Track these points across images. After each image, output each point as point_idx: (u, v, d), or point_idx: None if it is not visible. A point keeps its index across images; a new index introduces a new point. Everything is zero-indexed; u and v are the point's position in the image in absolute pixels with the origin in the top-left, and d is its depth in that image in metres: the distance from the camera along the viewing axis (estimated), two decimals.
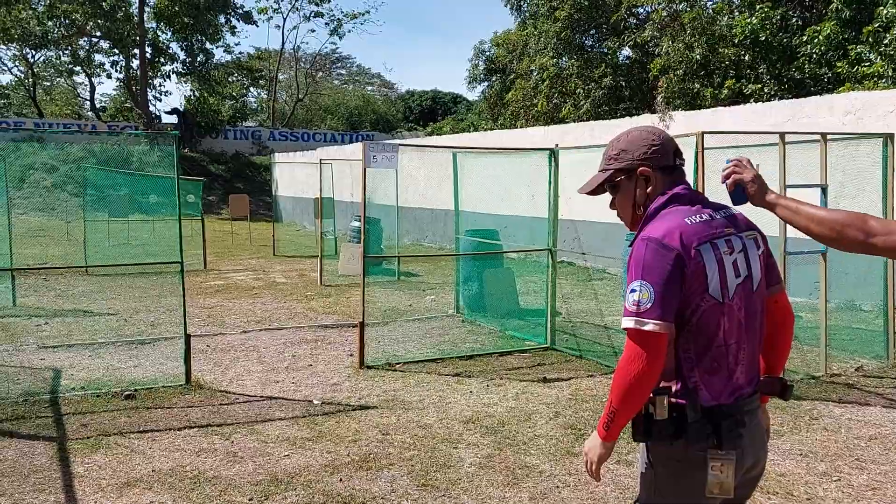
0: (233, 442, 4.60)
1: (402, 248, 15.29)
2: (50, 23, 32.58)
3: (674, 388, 1.91)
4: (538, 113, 22.50)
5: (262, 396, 5.64)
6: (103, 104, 44.60)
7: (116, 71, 36.99)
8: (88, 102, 41.73)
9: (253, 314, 9.08)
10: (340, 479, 4.02)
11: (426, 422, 4.98)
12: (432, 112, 49.76)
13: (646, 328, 1.83)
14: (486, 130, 24.32)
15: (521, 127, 22.03)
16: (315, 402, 5.49)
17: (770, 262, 2.06)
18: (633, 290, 1.87)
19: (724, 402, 1.91)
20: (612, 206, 2.12)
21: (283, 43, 54.92)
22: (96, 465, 4.21)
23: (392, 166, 6.21)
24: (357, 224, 13.54)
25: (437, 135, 32.18)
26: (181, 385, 5.82)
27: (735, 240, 1.95)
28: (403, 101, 52.45)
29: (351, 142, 36.26)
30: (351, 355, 6.88)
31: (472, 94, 48.47)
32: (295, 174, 24.78)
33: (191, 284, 9.91)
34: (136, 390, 5.65)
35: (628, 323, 1.86)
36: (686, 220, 1.91)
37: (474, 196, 10.44)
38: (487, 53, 29.75)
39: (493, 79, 29.34)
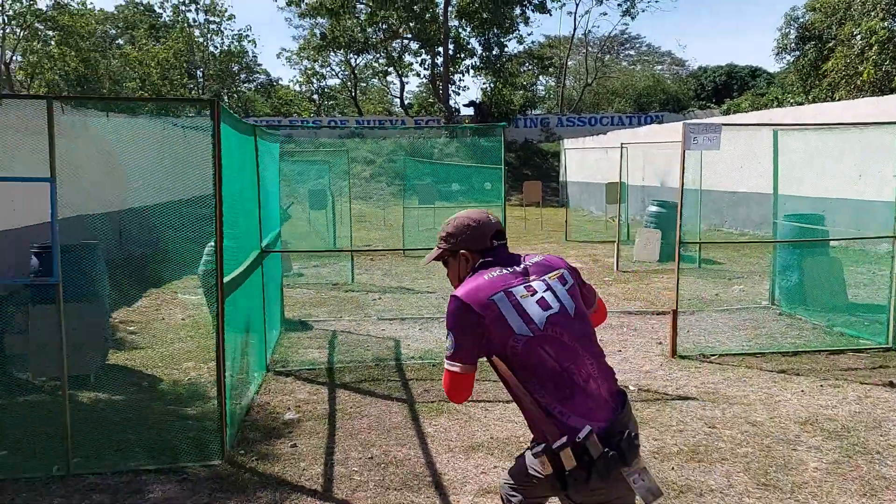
0: None
1: (700, 234, 14.55)
2: (370, 29, 36.64)
3: (566, 438, 2.07)
4: (863, 83, 19.80)
5: None
6: (409, 101, 49.06)
7: (424, 69, 40.38)
8: (398, 100, 46.20)
9: None
10: (672, 468, 4.01)
11: (755, 419, 4.74)
12: (727, 88, 46.31)
13: (446, 367, 2.25)
14: (795, 104, 22.07)
15: (838, 99, 19.59)
16: (631, 388, 5.52)
17: (584, 290, 2.48)
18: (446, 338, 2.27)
19: (612, 424, 2.10)
20: (448, 275, 2.47)
21: (575, 28, 54.96)
22: (442, 428, 4.71)
23: (713, 147, 5.95)
24: (654, 209, 13.22)
25: (735, 112, 29.91)
26: None
27: (537, 283, 2.27)
28: (695, 79, 49.57)
29: (639, 124, 35.35)
30: (660, 343, 6.78)
31: (776, 66, 44.35)
32: (584, 159, 24.87)
33: None
34: None
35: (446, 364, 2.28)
36: (485, 276, 2.26)
37: (786, 177, 9.53)
38: (801, 20, 26.85)
39: (807, 47, 26.42)
